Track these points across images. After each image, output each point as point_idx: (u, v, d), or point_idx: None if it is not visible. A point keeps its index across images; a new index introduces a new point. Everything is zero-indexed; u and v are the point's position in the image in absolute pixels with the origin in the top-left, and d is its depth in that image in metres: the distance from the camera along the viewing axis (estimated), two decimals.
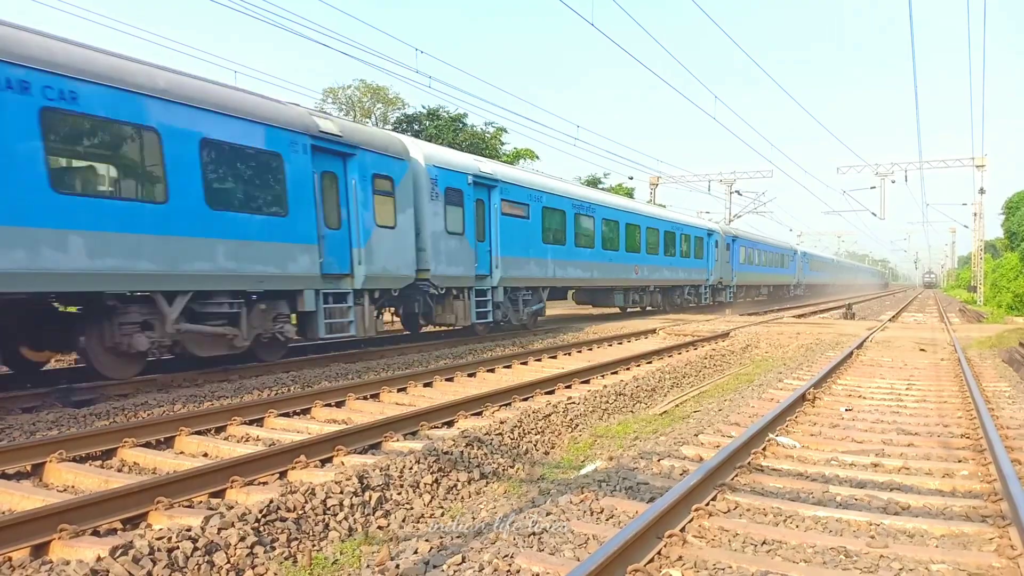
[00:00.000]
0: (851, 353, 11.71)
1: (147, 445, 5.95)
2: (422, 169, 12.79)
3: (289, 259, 9.93)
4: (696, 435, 6.29)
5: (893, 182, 38.07)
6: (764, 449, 5.58)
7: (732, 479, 4.79)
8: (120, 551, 3.41)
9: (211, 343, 9.33)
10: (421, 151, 12.98)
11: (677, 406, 8.48)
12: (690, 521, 3.95)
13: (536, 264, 16.60)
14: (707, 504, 4.20)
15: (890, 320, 22.84)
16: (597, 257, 19.60)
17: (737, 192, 43.30)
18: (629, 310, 24.32)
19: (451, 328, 15.20)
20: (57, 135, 7.34)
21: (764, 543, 3.74)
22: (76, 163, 7.92)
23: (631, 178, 41.26)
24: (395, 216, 11.97)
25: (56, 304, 8.60)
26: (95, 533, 3.97)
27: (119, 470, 5.49)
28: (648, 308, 24.85)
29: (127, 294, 8.32)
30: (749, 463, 5.16)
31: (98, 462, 5.62)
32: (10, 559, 3.63)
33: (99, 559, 3.37)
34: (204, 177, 8.80)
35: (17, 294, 7.14)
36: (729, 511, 4.24)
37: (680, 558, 3.53)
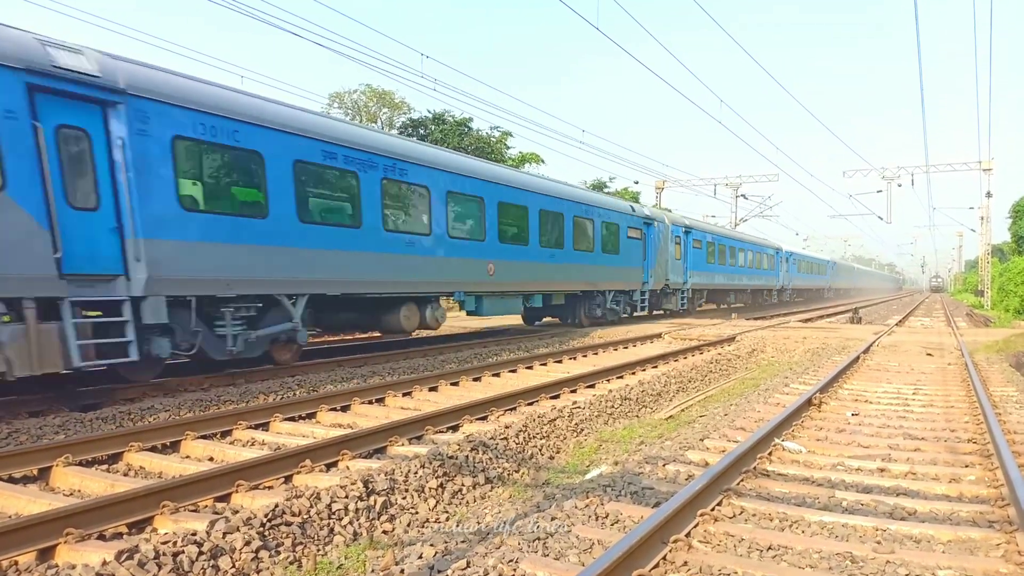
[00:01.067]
0: (858, 357, 11.67)
1: (153, 449, 5.97)
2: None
3: None
4: (702, 440, 6.27)
5: (899, 185, 37.87)
6: (770, 454, 5.56)
7: (738, 484, 4.77)
8: (126, 555, 3.43)
9: None
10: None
11: (683, 411, 8.46)
12: (695, 526, 3.94)
13: None
14: (712, 509, 4.19)
15: (897, 324, 22.73)
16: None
17: (743, 196, 43.27)
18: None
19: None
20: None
21: (770, 548, 3.73)
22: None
23: (636, 182, 41.33)
24: None
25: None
26: (101, 537, 3.98)
27: (125, 474, 5.51)
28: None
29: None
30: (755, 468, 5.15)
31: (104, 466, 5.64)
32: (16, 563, 3.64)
33: (105, 563, 3.39)
34: None
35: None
36: (735, 516, 4.23)
37: (685, 563, 3.52)
